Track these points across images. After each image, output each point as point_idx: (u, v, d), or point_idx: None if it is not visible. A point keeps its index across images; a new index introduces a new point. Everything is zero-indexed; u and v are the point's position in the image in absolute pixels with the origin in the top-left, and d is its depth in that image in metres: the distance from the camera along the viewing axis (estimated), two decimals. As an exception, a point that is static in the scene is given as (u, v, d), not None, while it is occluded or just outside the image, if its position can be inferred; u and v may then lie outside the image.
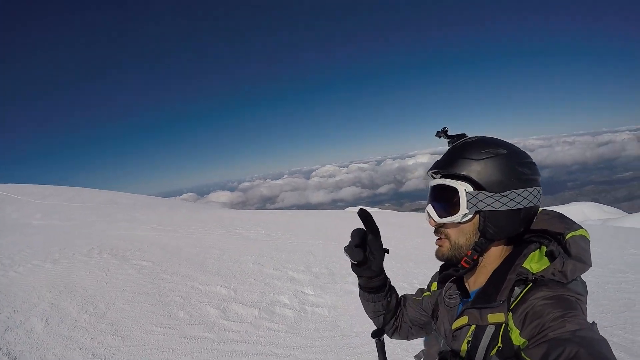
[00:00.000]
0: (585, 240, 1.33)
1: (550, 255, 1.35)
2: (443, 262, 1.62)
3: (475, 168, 1.38)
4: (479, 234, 1.42)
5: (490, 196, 1.36)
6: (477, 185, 1.38)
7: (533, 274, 1.32)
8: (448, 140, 1.51)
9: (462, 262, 1.44)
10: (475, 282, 1.50)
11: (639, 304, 6.15)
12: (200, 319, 5.23)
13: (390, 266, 8.13)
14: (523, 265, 1.36)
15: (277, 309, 5.67)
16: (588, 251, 1.32)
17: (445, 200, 1.43)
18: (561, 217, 1.41)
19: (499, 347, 1.27)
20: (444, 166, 1.44)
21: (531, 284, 1.31)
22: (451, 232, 1.44)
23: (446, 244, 1.46)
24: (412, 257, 9.03)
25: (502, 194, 1.36)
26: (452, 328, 1.46)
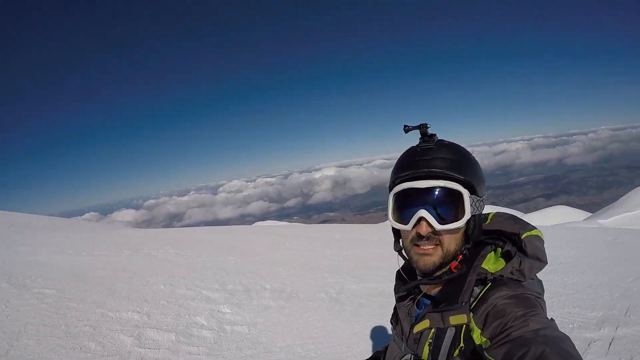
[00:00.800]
0: (539, 239, 1.38)
1: (507, 256, 1.39)
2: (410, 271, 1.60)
3: (471, 172, 1.38)
4: (464, 239, 1.42)
5: (479, 200, 1.40)
6: (471, 189, 1.38)
7: (492, 273, 1.35)
8: (423, 138, 1.43)
9: (452, 268, 1.40)
10: (432, 285, 1.48)
11: (548, 291, 6.70)
12: (114, 349, 4.88)
13: (305, 277, 8.17)
14: (482, 266, 1.38)
15: (194, 331, 5.46)
16: (543, 250, 1.37)
17: (447, 205, 1.37)
18: (515, 218, 1.46)
19: (461, 347, 1.28)
20: (446, 167, 1.35)
21: (490, 283, 1.34)
22: (445, 238, 1.38)
23: (438, 252, 1.38)
24: (326, 268, 9.16)
25: (483, 198, 1.42)
26: (414, 332, 1.44)
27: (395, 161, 1.46)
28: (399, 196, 1.43)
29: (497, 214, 1.50)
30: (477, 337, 1.23)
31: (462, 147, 1.43)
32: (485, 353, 1.17)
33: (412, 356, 1.43)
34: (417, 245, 1.39)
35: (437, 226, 1.34)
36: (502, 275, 1.34)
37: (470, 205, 1.35)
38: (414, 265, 1.43)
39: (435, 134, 1.43)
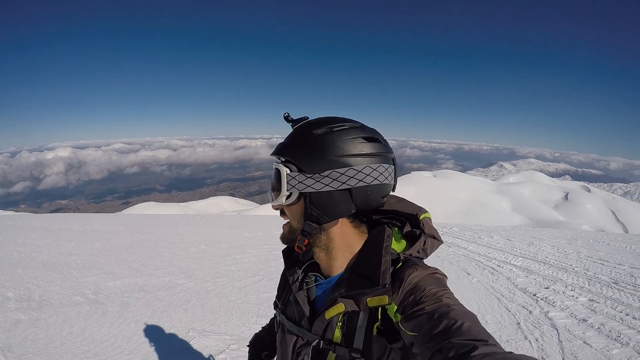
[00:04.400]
0: (431, 220, 1.42)
1: (408, 236, 1.38)
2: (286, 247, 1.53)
3: (294, 151, 1.30)
4: (304, 218, 1.32)
5: (309, 177, 1.26)
6: (298, 167, 1.28)
7: (403, 253, 1.32)
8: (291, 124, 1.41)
9: (296, 248, 1.36)
10: (333, 267, 1.38)
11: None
12: None
13: (53, 279, 7.06)
14: (391, 246, 1.34)
15: None
16: (436, 230, 1.41)
17: (274, 184, 1.35)
18: (407, 200, 1.46)
19: (379, 326, 1.23)
20: (276, 151, 1.36)
21: (401, 263, 1.30)
22: (288, 214, 1.36)
23: (287, 227, 1.38)
24: (73, 265, 8.01)
25: (322, 174, 1.26)
26: (326, 318, 1.28)
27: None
28: None
29: (391, 196, 1.43)
30: (393, 314, 1.19)
31: (308, 125, 1.33)
32: (399, 325, 1.16)
33: (324, 342, 1.29)
34: None
35: (271, 202, 1.38)
36: (411, 254, 1.32)
37: (288, 182, 1.28)
38: None
39: (297, 120, 1.37)
